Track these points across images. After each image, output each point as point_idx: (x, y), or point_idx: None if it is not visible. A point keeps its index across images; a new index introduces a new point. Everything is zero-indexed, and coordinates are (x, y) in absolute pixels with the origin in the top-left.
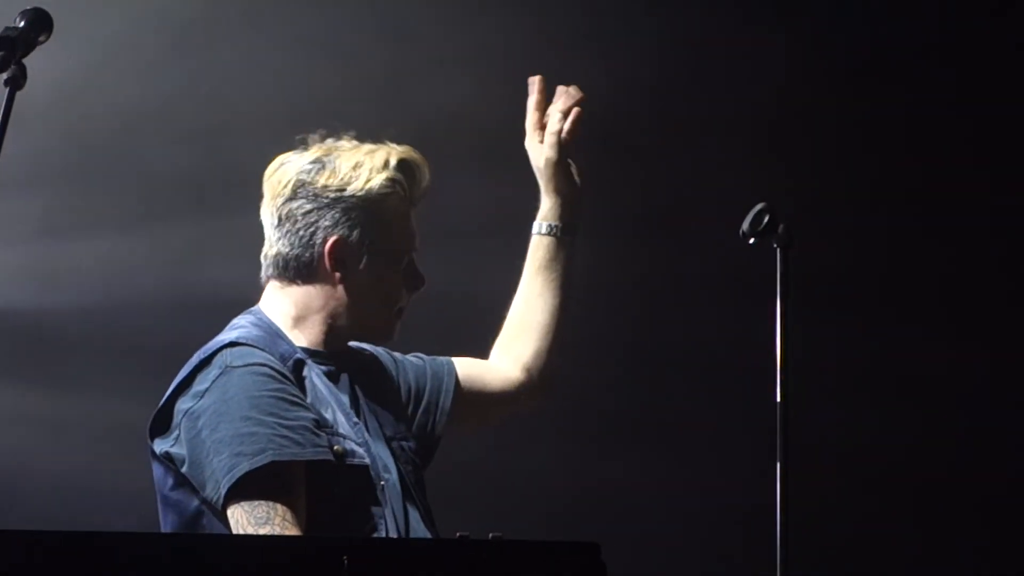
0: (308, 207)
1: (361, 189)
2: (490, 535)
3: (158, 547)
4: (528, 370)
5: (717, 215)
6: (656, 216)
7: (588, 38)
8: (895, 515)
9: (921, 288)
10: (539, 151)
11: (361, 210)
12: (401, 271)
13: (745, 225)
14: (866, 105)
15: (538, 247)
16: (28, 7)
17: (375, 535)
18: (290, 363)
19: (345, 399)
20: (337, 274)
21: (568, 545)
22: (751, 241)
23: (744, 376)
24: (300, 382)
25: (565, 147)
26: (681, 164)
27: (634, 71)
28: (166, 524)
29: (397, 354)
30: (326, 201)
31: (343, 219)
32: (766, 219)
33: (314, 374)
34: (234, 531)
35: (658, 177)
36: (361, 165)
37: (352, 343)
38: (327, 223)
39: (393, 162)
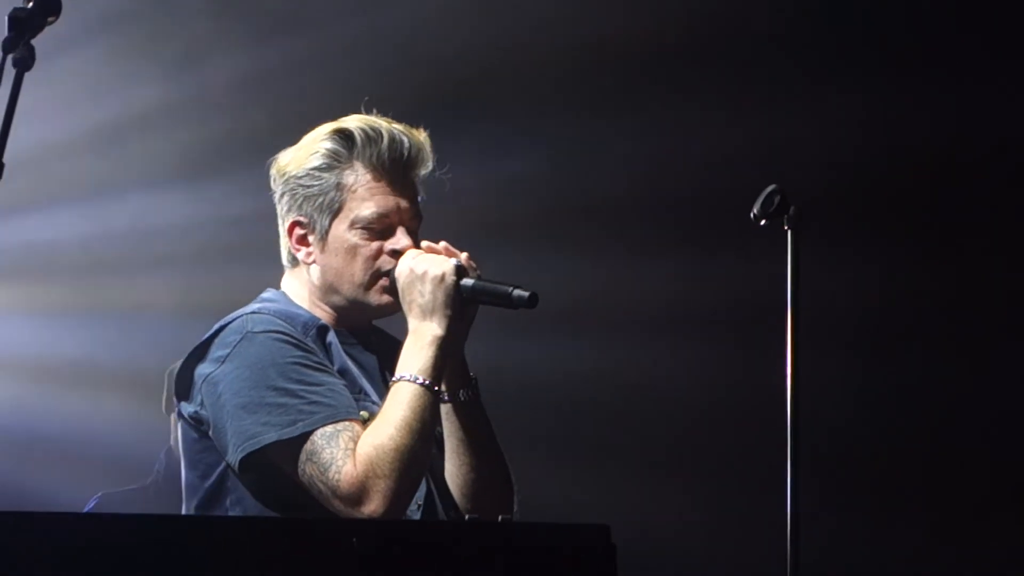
0: (276, 195)
1: (297, 169)
2: (499, 517)
3: (168, 529)
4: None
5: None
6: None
7: None
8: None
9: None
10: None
11: (304, 188)
12: (375, 239)
13: (756, 207)
14: None
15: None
16: None
17: None
18: (313, 331)
19: (372, 370)
20: (305, 253)
21: (579, 527)
22: (762, 223)
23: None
24: (326, 349)
25: None
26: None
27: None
28: (189, 485)
29: None
30: (280, 187)
31: (292, 203)
32: (776, 200)
33: (339, 343)
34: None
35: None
36: (302, 147)
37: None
38: (284, 209)
39: (324, 133)
